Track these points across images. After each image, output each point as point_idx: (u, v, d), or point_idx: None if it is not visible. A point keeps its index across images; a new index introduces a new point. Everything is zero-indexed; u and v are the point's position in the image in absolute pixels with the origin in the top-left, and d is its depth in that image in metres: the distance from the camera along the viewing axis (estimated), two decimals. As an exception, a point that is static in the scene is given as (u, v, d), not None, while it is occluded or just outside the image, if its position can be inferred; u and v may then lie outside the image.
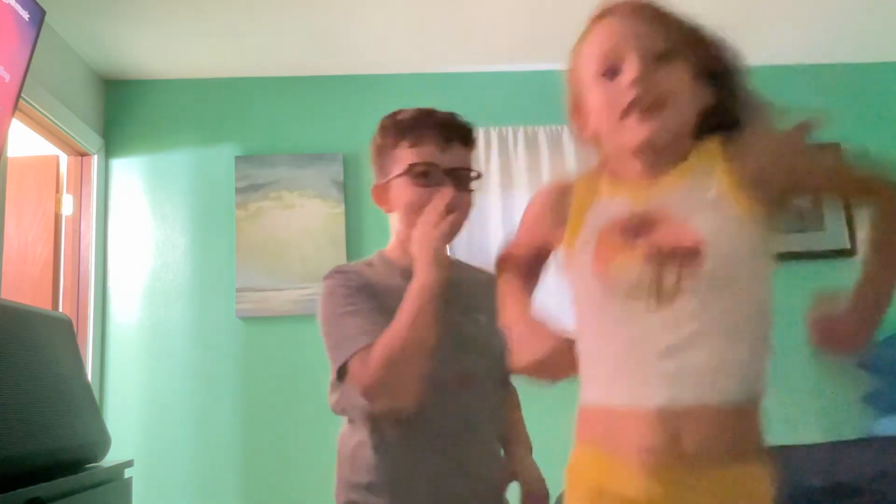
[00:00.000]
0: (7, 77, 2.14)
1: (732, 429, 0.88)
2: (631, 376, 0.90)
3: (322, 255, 3.20)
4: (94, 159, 3.20)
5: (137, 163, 3.29)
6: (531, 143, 3.30)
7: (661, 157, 0.94)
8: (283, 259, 3.20)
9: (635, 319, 0.90)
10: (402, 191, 1.32)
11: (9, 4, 2.12)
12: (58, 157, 3.12)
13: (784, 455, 2.71)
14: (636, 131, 0.91)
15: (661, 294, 0.88)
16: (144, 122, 3.32)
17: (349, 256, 3.21)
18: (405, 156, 1.34)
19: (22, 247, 2.98)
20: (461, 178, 1.34)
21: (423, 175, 1.31)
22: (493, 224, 3.22)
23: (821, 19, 3.15)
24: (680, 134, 0.93)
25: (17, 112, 2.34)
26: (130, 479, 1.82)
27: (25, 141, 2.99)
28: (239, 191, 3.25)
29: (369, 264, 1.42)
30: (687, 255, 0.87)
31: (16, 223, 2.94)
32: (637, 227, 0.91)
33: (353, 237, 3.25)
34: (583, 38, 1.01)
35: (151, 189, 3.28)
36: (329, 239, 3.22)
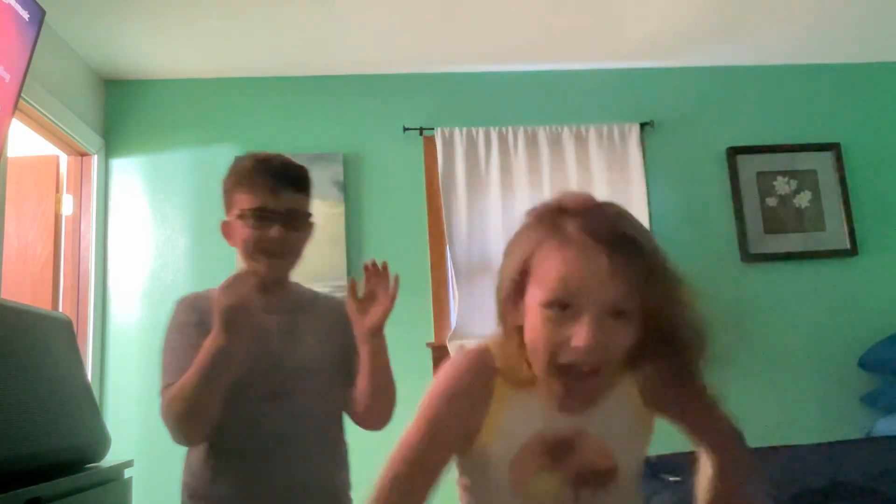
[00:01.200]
0: (7, 77, 2.14)
1: None
2: None
3: (322, 255, 3.20)
4: (94, 159, 3.20)
5: (137, 163, 3.29)
6: (531, 143, 3.30)
7: (582, 405, 0.95)
8: (283, 259, 3.19)
9: None
10: (239, 231, 1.46)
11: (9, 4, 2.12)
12: (58, 157, 3.12)
13: (784, 455, 2.73)
14: (565, 394, 0.90)
15: None
16: (144, 122, 3.32)
17: (349, 256, 3.21)
18: (240, 200, 1.47)
19: (22, 247, 2.97)
20: (293, 220, 1.50)
21: (256, 218, 1.44)
22: (493, 223, 3.22)
23: (820, 19, 3.15)
24: (607, 387, 0.94)
25: (17, 112, 2.34)
26: (130, 479, 1.82)
27: (25, 141, 2.99)
28: (239, 191, 3.24)
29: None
30: (603, 477, 0.95)
31: (16, 223, 2.94)
32: (557, 450, 0.94)
33: (353, 237, 3.25)
34: (548, 233, 0.90)
35: (151, 189, 3.27)
36: (329, 239, 3.22)
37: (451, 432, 0.96)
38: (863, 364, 3.18)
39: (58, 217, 3.07)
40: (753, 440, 3.08)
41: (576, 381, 0.88)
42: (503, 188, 3.26)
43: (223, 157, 3.31)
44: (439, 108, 3.40)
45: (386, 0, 2.81)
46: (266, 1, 2.76)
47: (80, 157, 3.18)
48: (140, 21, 2.85)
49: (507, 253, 0.95)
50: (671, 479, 2.23)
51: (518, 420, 0.94)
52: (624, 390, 0.97)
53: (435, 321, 3.23)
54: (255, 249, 1.44)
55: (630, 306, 0.87)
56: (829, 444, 2.75)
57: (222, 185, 1.52)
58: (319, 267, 3.19)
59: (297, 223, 1.53)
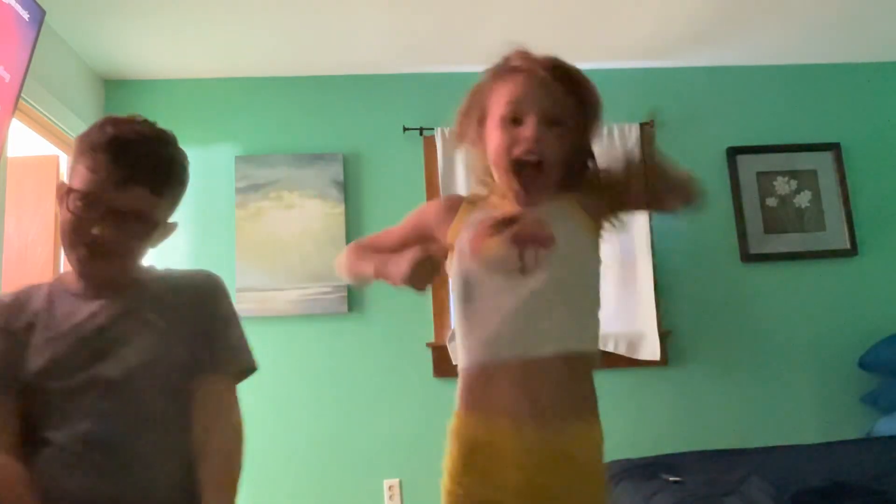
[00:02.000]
0: (7, 77, 2.14)
1: (574, 390, 1.18)
2: (500, 337, 1.18)
3: (322, 255, 3.20)
4: (94, 159, 3.19)
5: (137, 163, 3.29)
6: (531, 143, 3.30)
7: (534, 197, 1.23)
8: (283, 259, 3.20)
9: (502, 291, 1.18)
10: (62, 209, 1.22)
11: (9, 4, 2.12)
12: (58, 157, 3.12)
13: (784, 455, 2.73)
14: (520, 188, 1.21)
15: (522, 269, 1.16)
16: (144, 122, 3.32)
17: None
18: (77, 173, 1.22)
19: (22, 247, 2.97)
20: (133, 222, 1.22)
21: (84, 203, 1.19)
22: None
23: (820, 19, 3.15)
24: (551, 184, 1.22)
25: (17, 112, 2.34)
26: (130, 479, 1.82)
27: (25, 141, 2.99)
28: (239, 191, 3.25)
29: (58, 281, 1.34)
30: (542, 241, 1.17)
31: (16, 223, 2.94)
32: (507, 221, 1.18)
33: (354, 237, 3.25)
34: (500, 76, 1.26)
35: (151, 189, 3.27)
36: (329, 239, 3.22)
37: (423, 225, 1.34)
38: (863, 364, 3.18)
39: (58, 217, 3.07)
40: (753, 440, 3.09)
41: (527, 175, 1.19)
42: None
43: (223, 157, 3.32)
44: (439, 108, 3.39)
45: (386, 0, 2.81)
46: (266, 1, 2.76)
47: (80, 157, 3.18)
48: (140, 21, 2.85)
49: (472, 94, 1.33)
50: (671, 479, 2.23)
51: (476, 217, 1.25)
52: (566, 206, 1.23)
53: (435, 321, 3.23)
54: (73, 239, 1.21)
55: (564, 118, 1.20)
56: (829, 444, 2.75)
57: (75, 141, 1.26)
58: (319, 267, 3.20)
59: (138, 227, 1.24)
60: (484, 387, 1.19)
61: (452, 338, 3.11)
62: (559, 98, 1.20)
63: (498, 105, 1.22)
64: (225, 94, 3.36)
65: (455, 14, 2.93)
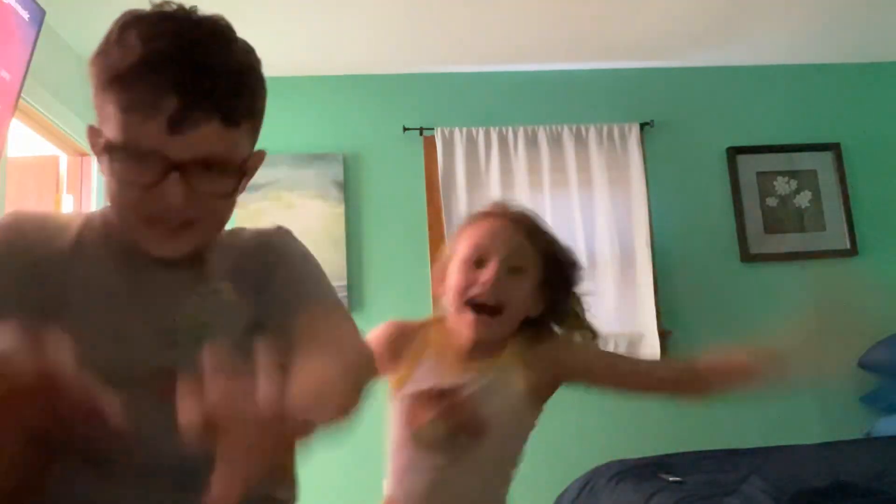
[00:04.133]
0: (7, 77, 2.14)
1: None
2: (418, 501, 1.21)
3: (322, 256, 3.17)
4: (94, 159, 3.19)
5: (137, 163, 3.29)
6: (531, 143, 3.30)
7: (481, 346, 1.22)
8: (283, 259, 3.20)
9: (426, 465, 1.20)
10: (104, 168, 0.82)
11: (9, 4, 2.12)
12: (58, 157, 3.12)
13: (784, 455, 2.73)
14: (471, 326, 1.20)
15: (448, 452, 1.18)
16: (144, 122, 3.32)
17: (349, 256, 3.21)
18: (109, 117, 0.80)
19: (22, 247, 2.97)
20: (207, 178, 0.81)
21: (134, 160, 0.78)
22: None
23: (820, 19, 3.15)
24: (503, 333, 1.23)
25: (17, 112, 2.34)
26: (130, 479, 1.82)
27: (25, 141, 2.99)
28: (239, 191, 3.25)
29: (87, 221, 0.92)
30: (472, 430, 1.17)
31: (16, 223, 2.94)
32: (444, 399, 1.18)
33: (353, 237, 3.25)
34: (472, 221, 1.29)
35: (151, 189, 3.27)
36: (329, 239, 3.22)
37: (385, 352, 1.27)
38: (863, 364, 3.18)
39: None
40: (753, 440, 3.09)
41: (481, 320, 1.19)
42: (503, 188, 3.26)
43: (223, 157, 3.32)
44: (439, 108, 3.40)
45: (386, 0, 2.81)
46: (266, 1, 2.76)
47: (80, 157, 3.18)
48: (140, 21, 2.85)
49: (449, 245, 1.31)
50: (671, 479, 2.23)
51: (423, 372, 1.24)
52: (509, 372, 1.21)
53: (435, 321, 3.23)
54: (131, 211, 0.81)
55: (525, 265, 1.21)
56: (829, 444, 2.75)
57: (92, 66, 0.86)
58: (319, 267, 3.19)
59: (218, 181, 0.84)
60: None
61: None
62: (522, 247, 1.22)
63: (463, 246, 1.24)
64: (225, 94, 3.36)
65: (455, 14, 2.93)
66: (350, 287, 3.17)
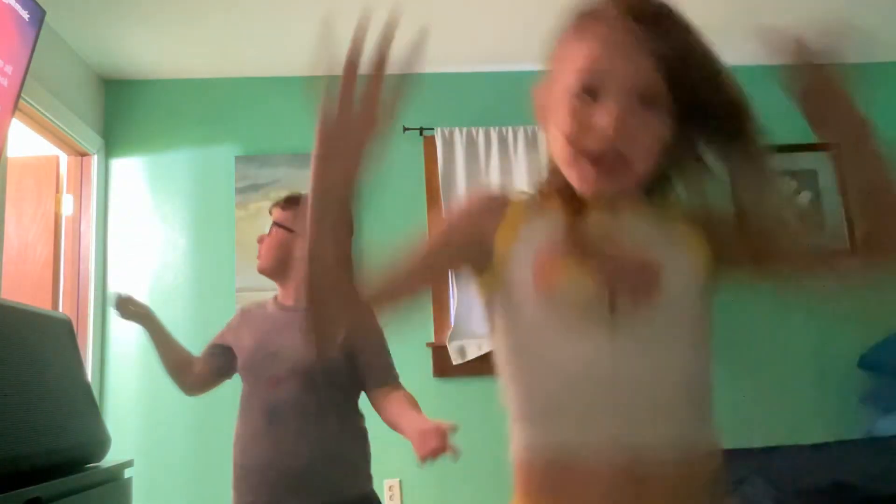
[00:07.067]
0: (7, 77, 2.14)
1: (701, 481, 0.79)
2: (583, 409, 0.79)
3: (322, 255, 3.20)
4: (94, 159, 3.20)
5: (137, 163, 3.30)
6: (531, 143, 3.30)
7: (610, 202, 0.85)
8: (283, 259, 3.20)
9: (585, 343, 0.79)
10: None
11: (9, 4, 2.12)
12: (58, 157, 3.12)
13: (784, 455, 2.73)
14: (588, 181, 0.82)
15: (616, 316, 0.79)
16: (144, 122, 3.32)
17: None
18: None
19: (22, 247, 2.97)
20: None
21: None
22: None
23: (819, 19, 3.15)
24: (632, 185, 0.83)
25: (17, 112, 2.34)
26: (130, 479, 1.82)
27: (25, 141, 2.99)
28: (239, 191, 3.25)
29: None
30: (644, 280, 0.79)
31: (16, 223, 2.94)
32: (590, 246, 0.80)
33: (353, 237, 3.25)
34: (569, 36, 0.87)
35: (151, 189, 3.28)
36: (329, 239, 3.21)
37: (461, 233, 0.91)
38: (863, 364, 3.18)
39: (58, 217, 3.07)
40: (753, 440, 3.10)
41: (601, 174, 0.80)
42: (503, 188, 3.25)
43: (223, 157, 3.32)
44: (439, 108, 3.39)
45: (386, 1, 2.81)
46: (266, 1, 2.76)
47: (80, 157, 3.18)
48: (140, 21, 2.85)
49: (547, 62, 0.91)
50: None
51: (537, 231, 0.84)
52: (674, 225, 0.85)
53: (435, 321, 3.23)
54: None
55: (659, 87, 0.79)
56: (829, 444, 2.75)
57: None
58: (319, 267, 3.19)
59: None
60: (558, 488, 0.79)
61: (452, 337, 3.11)
62: (654, 65, 0.79)
63: (567, 69, 0.83)
64: (225, 94, 3.36)
65: (455, 14, 2.93)
66: (350, 287, 3.17)
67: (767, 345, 3.26)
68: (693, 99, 0.80)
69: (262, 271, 1.84)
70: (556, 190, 0.86)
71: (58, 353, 1.68)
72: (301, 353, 1.67)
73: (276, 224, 1.81)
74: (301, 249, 1.16)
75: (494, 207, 0.88)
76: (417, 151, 3.37)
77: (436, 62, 3.37)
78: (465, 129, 3.30)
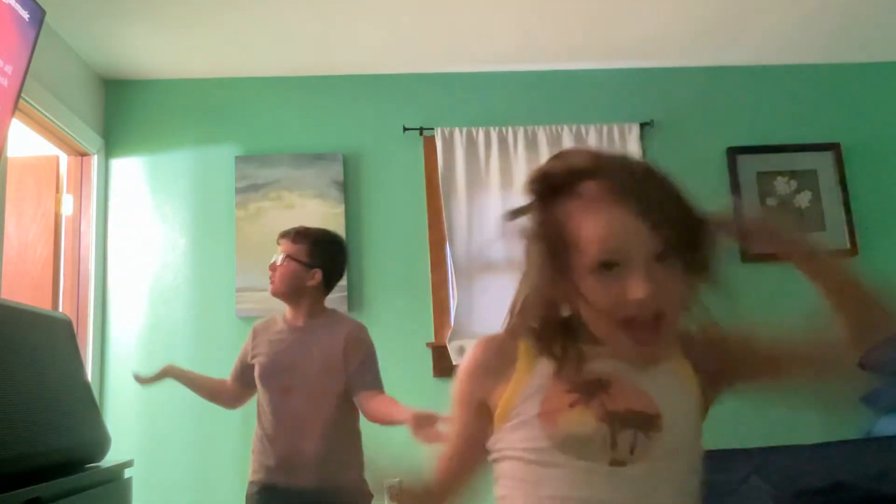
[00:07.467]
0: (7, 77, 2.14)
1: None
2: None
3: (322, 255, 3.20)
4: (94, 159, 3.20)
5: (137, 163, 3.30)
6: (531, 143, 3.30)
7: (652, 355, 0.92)
8: (283, 259, 3.20)
9: (585, 480, 0.87)
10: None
11: (9, 4, 2.12)
12: (58, 157, 3.12)
13: (784, 455, 2.73)
14: (632, 349, 0.88)
15: (617, 455, 0.86)
16: (144, 122, 3.32)
17: (349, 256, 3.21)
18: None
19: (22, 247, 2.98)
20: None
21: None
22: (493, 224, 3.22)
23: (819, 19, 3.15)
24: (670, 335, 0.91)
25: (17, 112, 2.34)
26: (130, 479, 1.82)
27: (25, 141, 2.99)
28: (239, 191, 3.25)
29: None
30: (644, 421, 0.87)
31: (16, 223, 2.95)
32: (592, 387, 0.89)
33: (353, 237, 3.25)
34: (574, 199, 0.89)
35: (151, 189, 3.28)
36: (329, 239, 3.21)
37: (479, 400, 0.97)
38: (863, 364, 3.18)
39: (58, 217, 3.07)
40: (753, 440, 3.09)
41: (642, 333, 0.86)
42: (503, 188, 3.26)
43: (223, 157, 3.32)
44: (439, 108, 3.40)
45: (386, 1, 2.81)
46: (266, 1, 2.76)
47: (80, 157, 3.18)
48: (140, 21, 2.85)
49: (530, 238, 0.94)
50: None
51: (544, 376, 0.91)
52: (676, 368, 0.94)
53: (435, 321, 3.23)
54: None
55: (670, 242, 0.87)
56: (829, 444, 2.75)
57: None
58: (319, 267, 3.19)
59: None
60: None
61: (452, 337, 3.11)
62: (661, 228, 0.86)
63: (585, 248, 0.87)
64: (225, 94, 3.36)
65: (455, 14, 2.93)
66: (350, 287, 3.17)
67: (767, 345, 3.25)
68: (684, 239, 0.89)
69: (276, 295, 2.10)
70: (552, 343, 0.93)
71: (58, 353, 1.68)
72: (309, 368, 2.00)
73: (289, 257, 2.07)
74: (313, 280, 2.07)
75: (501, 362, 0.95)
76: (417, 151, 3.37)
77: (436, 62, 3.37)
78: (464, 129, 3.30)
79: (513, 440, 0.92)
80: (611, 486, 0.86)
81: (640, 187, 0.88)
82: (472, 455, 1.01)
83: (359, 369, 2.03)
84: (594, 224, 0.87)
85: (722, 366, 0.97)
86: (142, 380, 2.21)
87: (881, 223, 3.45)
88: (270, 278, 2.09)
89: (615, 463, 0.86)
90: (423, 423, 1.75)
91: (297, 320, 2.10)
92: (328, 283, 2.10)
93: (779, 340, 1.04)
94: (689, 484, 0.93)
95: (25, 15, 2.21)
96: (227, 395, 2.24)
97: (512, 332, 0.96)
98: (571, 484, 0.87)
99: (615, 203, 0.86)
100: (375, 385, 2.05)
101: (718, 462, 2.45)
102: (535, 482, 0.89)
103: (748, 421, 3.17)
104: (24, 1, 2.18)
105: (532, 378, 0.92)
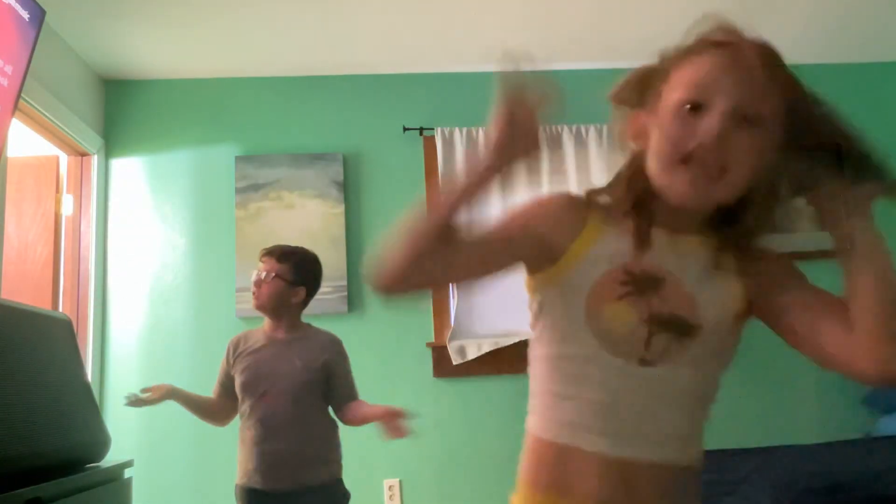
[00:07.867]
0: (7, 77, 2.14)
1: (684, 491, 0.96)
2: (603, 426, 0.90)
3: (322, 256, 3.18)
4: (94, 159, 3.20)
5: (137, 163, 3.30)
6: (531, 143, 3.30)
7: (691, 216, 0.93)
8: (283, 259, 3.20)
9: (617, 373, 0.90)
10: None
11: (9, 4, 2.12)
12: (58, 157, 3.12)
13: (784, 455, 2.74)
14: (685, 184, 0.87)
15: (648, 356, 0.89)
16: (144, 122, 3.32)
17: (349, 256, 3.21)
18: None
19: (22, 247, 2.98)
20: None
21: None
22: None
23: (819, 19, 3.15)
24: (721, 199, 0.91)
25: (17, 112, 2.34)
26: (130, 479, 1.82)
27: (25, 141, 2.99)
28: (239, 191, 3.25)
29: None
30: (684, 328, 0.89)
31: (16, 223, 2.95)
32: (645, 284, 0.90)
33: (353, 237, 3.25)
34: (690, 53, 0.93)
35: (151, 189, 3.28)
36: (329, 239, 3.22)
37: (534, 232, 0.96)
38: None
39: (58, 217, 3.07)
40: (754, 440, 3.10)
41: (697, 178, 0.86)
42: (503, 188, 3.25)
43: (223, 157, 3.32)
44: (439, 108, 3.40)
45: (386, 0, 2.81)
46: (266, 1, 2.76)
47: (80, 157, 3.18)
48: (140, 21, 2.85)
49: (645, 74, 1.00)
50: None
51: (606, 251, 0.92)
52: (724, 273, 0.94)
53: (435, 321, 3.23)
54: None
55: (764, 111, 0.87)
56: (829, 444, 2.75)
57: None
58: (319, 267, 3.19)
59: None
60: (563, 468, 0.92)
61: (452, 337, 3.11)
62: (760, 89, 0.87)
63: (677, 87, 0.90)
64: (225, 94, 3.36)
65: (455, 14, 2.93)
66: (350, 287, 3.17)
67: (767, 345, 3.25)
68: (803, 134, 0.89)
69: (259, 309, 2.21)
70: (630, 207, 0.94)
71: (58, 353, 1.68)
72: (291, 376, 2.13)
73: (277, 276, 2.17)
74: (297, 297, 2.20)
75: (576, 215, 0.96)
76: (417, 151, 3.37)
77: (436, 62, 3.37)
78: (465, 129, 3.30)
79: (557, 305, 0.93)
80: (633, 383, 0.89)
81: (770, 59, 0.91)
82: (485, 253, 0.98)
83: (343, 382, 2.22)
84: (700, 65, 0.90)
85: (761, 286, 0.97)
86: (141, 402, 2.17)
87: (881, 223, 3.44)
88: (254, 293, 2.20)
89: (644, 363, 0.89)
90: (393, 417, 2.02)
91: (277, 333, 2.22)
92: (308, 300, 2.25)
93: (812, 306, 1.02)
94: (706, 394, 0.95)
95: (25, 15, 2.21)
96: (219, 412, 2.31)
97: (588, 198, 0.98)
98: (597, 372, 0.90)
99: (732, 53, 0.90)
100: (355, 395, 2.25)
101: (718, 462, 2.45)
102: (567, 358, 0.93)
103: (748, 421, 3.18)
104: (24, 1, 2.18)
105: (594, 247, 0.92)
